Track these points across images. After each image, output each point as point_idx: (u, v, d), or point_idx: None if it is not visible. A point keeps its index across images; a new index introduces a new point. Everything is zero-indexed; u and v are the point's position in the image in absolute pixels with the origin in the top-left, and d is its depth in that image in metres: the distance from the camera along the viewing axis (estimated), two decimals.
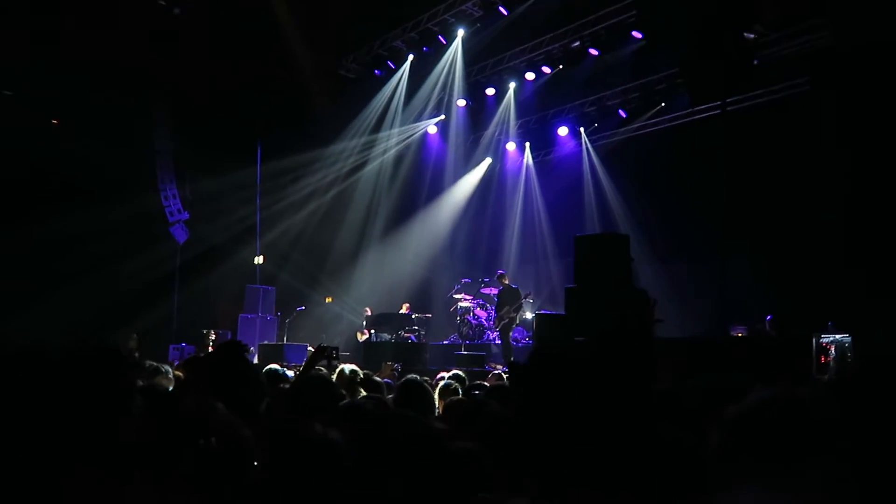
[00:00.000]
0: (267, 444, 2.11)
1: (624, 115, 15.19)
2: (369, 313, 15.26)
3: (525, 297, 13.49)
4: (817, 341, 8.15)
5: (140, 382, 4.35)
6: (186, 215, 16.15)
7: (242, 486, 2.00)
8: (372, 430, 1.86)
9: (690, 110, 13.65)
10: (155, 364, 5.89)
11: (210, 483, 1.89)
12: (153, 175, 15.84)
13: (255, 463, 2.12)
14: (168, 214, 15.95)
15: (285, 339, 14.70)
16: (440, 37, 14.93)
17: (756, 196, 12.15)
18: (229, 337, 14.39)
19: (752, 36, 11.87)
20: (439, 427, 1.98)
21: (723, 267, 9.98)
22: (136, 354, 7.49)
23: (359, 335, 15.16)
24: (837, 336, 8.20)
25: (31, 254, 13.22)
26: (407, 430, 1.79)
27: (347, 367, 5.04)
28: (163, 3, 13.07)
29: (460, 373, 5.71)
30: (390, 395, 4.76)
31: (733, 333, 11.11)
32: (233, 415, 2.88)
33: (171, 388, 5.64)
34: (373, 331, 14.64)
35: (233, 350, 3.10)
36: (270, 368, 5.38)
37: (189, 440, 1.92)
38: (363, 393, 4.97)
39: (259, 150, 16.33)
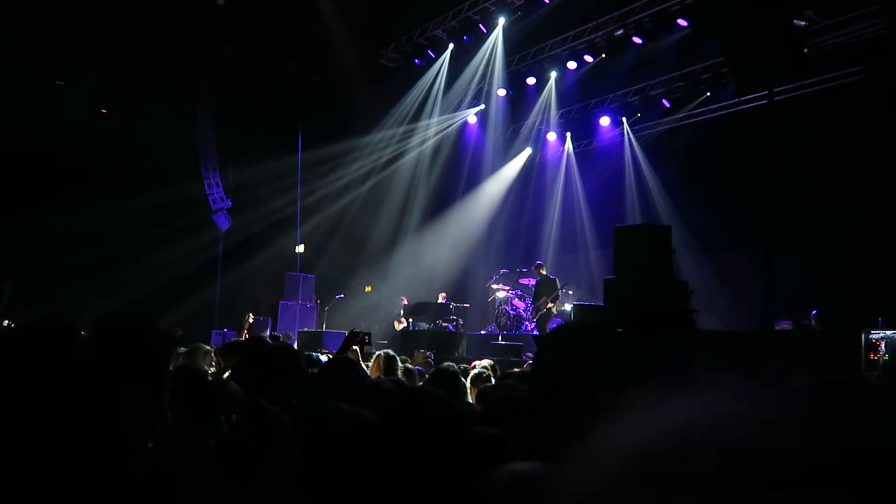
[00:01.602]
0: (298, 425, 2.11)
1: (668, 105, 14.92)
2: (405, 303, 15.31)
3: (562, 288, 13.36)
4: (866, 337, 7.91)
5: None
6: (229, 203, 16.40)
7: (271, 462, 2.01)
8: (393, 406, 1.84)
9: (737, 100, 13.33)
10: (197, 345, 6.02)
11: (232, 456, 1.90)
12: (197, 163, 16.12)
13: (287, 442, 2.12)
14: (211, 202, 16.22)
15: (324, 326, 14.83)
16: (481, 25, 14.82)
17: (805, 188, 11.81)
18: (269, 323, 14.59)
19: (803, 23, 11.53)
20: (462, 408, 1.95)
21: (767, 260, 9.73)
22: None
23: (396, 324, 15.22)
24: (888, 332, 7.93)
25: (78, 240, 13.55)
26: (427, 404, 1.76)
27: (384, 353, 5.05)
28: None
29: (491, 361, 5.67)
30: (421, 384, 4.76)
31: (778, 328, 10.85)
32: (263, 398, 2.90)
33: (210, 370, 5.76)
34: (410, 319, 14.68)
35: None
36: (305, 354, 5.43)
37: (210, 416, 1.92)
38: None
39: (300, 140, 16.48)
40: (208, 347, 6.01)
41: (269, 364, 3.16)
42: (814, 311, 10.87)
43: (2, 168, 13.65)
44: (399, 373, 4.85)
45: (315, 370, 4.14)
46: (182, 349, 6.43)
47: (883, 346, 7.92)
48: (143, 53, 13.78)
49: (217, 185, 16.27)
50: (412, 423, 1.68)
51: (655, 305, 2.27)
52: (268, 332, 13.03)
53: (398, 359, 4.95)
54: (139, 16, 13.38)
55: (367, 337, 4.21)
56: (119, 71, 13.91)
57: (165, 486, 1.54)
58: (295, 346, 12.87)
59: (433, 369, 5.31)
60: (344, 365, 3.25)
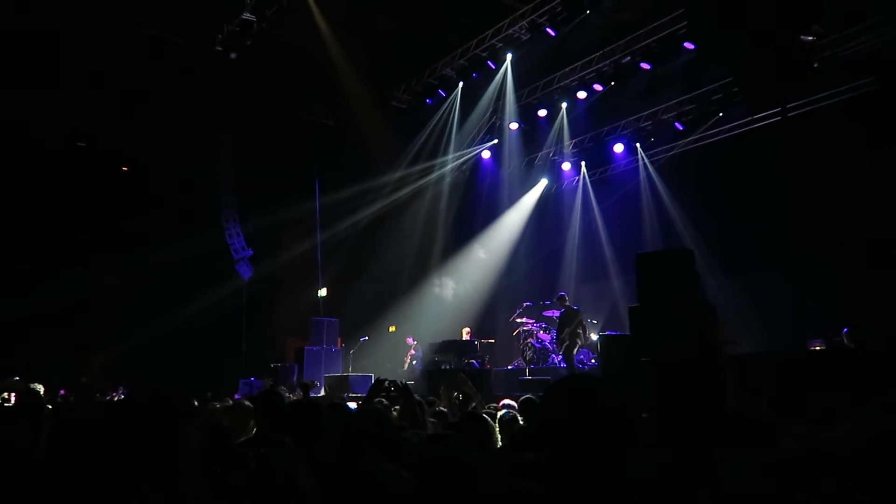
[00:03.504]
0: (323, 479, 2.09)
1: (681, 128, 14.91)
2: (411, 341, 15.51)
3: (584, 317, 13.20)
4: None
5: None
6: (251, 252, 16.56)
7: None
8: (423, 470, 1.82)
9: (750, 118, 13.28)
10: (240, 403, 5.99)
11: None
12: (217, 214, 16.34)
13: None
14: (233, 252, 16.38)
15: (350, 369, 14.81)
16: (489, 62, 14.95)
17: (826, 202, 11.66)
18: (295, 369, 14.60)
19: (810, 38, 11.52)
20: (490, 464, 1.93)
21: (794, 277, 9.59)
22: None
23: (404, 362, 15.44)
24: None
25: (101, 295, 13.76)
26: (457, 470, 1.74)
27: (407, 403, 4.99)
28: (219, 48, 13.53)
29: (531, 396, 5.58)
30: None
31: (811, 347, 10.62)
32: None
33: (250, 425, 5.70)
34: (435, 357, 14.64)
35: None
36: (332, 403, 5.39)
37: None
38: (430, 421, 4.94)
39: (317, 184, 16.67)
40: (248, 405, 5.89)
41: (287, 422, 3.15)
42: (845, 329, 10.65)
43: (33, 228, 13.99)
44: (428, 417, 4.81)
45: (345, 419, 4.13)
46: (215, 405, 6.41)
47: None
48: (161, 108, 14.07)
49: (238, 234, 16.46)
50: (445, 492, 1.66)
51: (682, 350, 2.24)
52: (293, 379, 13.03)
53: (423, 403, 4.90)
54: (157, 72, 13.71)
55: (392, 385, 4.16)
56: (138, 127, 14.24)
57: None
58: (322, 391, 12.88)
59: (461, 413, 5.26)
60: (371, 417, 3.23)
